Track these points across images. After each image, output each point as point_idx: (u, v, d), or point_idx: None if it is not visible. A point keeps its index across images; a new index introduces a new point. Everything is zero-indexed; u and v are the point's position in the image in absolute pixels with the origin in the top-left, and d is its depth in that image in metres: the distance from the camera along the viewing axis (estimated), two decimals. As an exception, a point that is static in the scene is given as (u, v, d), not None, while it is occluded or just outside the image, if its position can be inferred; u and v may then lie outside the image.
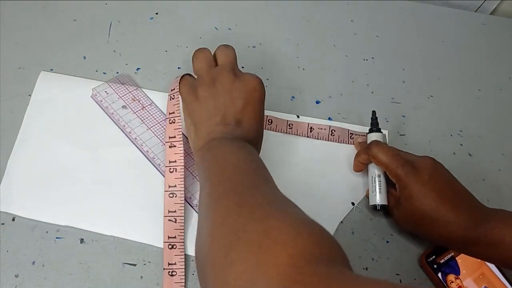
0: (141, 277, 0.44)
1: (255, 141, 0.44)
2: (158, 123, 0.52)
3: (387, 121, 0.57)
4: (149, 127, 0.52)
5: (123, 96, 0.53)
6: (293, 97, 0.57)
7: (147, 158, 0.50)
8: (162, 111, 0.53)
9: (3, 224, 0.45)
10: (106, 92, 0.53)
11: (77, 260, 0.44)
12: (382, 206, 0.48)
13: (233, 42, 0.60)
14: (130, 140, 0.51)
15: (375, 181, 0.48)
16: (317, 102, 0.57)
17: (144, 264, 0.45)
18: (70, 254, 0.44)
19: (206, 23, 0.61)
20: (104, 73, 0.55)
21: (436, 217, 0.43)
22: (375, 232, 0.49)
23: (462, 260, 0.47)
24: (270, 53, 0.60)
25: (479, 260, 0.47)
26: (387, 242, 0.49)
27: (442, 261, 0.47)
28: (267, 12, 0.64)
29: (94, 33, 0.58)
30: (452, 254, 0.48)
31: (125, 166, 0.49)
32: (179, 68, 0.57)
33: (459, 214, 0.42)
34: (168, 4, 0.62)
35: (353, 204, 0.50)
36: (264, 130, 0.48)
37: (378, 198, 0.48)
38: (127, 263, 0.44)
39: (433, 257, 0.47)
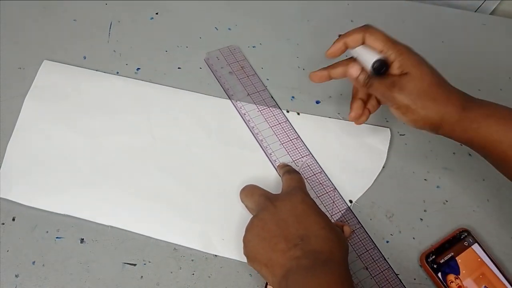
0: (141, 277, 0.44)
1: (332, 250, 0.39)
2: (257, 92, 0.56)
3: (387, 121, 0.57)
4: (249, 93, 0.55)
5: (231, 63, 0.58)
6: (293, 97, 0.57)
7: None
8: (262, 82, 0.57)
9: (3, 224, 0.45)
10: (217, 57, 0.58)
11: (77, 260, 0.44)
12: (381, 62, 0.44)
13: (233, 42, 0.60)
14: (232, 101, 0.55)
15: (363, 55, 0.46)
16: (317, 102, 0.57)
17: (144, 264, 0.45)
18: (70, 254, 0.44)
19: (206, 23, 0.62)
20: (104, 73, 0.55)
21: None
22: (375, 232, 0.49)
23: (462, 260, 0.47)
24: (270, 53, 0.60)
25: (479, 260, 0.47)
26: (387, 242, 0.49)
27: (442, 261, 0.47)
28: (267, 12, 0.64)
29: (94, 33, 0.58)
30: (452, 254, 0.48)
31: (125, 155, 0.50)
32: (179, 68, 0.57)
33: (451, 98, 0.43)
34: (168, 4, 0.62)
35: (350, 201, 0.51)
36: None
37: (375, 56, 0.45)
38: (127, 263, 0.44)
39: (433, 257, 0.47)
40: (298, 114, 0.56)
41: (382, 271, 0.47)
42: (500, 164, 0.43)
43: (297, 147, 0.53)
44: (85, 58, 0.56)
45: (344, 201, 0.50)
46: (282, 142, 0.53)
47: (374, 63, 0.44)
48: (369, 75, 0.45)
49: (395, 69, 0.44)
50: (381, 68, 0.44)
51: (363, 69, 0.45)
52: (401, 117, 0.45)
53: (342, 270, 0.38)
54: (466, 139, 0.43)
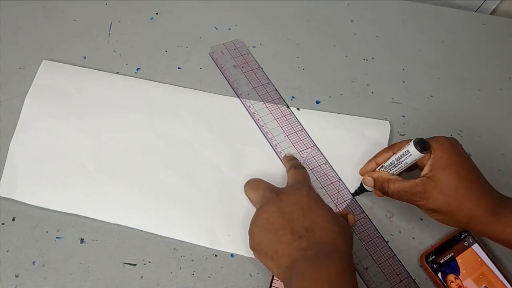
0: (141, 277, 0.44)
1: (336, 242, 0.39)
2: (262, 85, 0.56)
3: (386, 119, 0.57)
4: (254, 87, 0.56)
5: (235, 57, 0.58)
6: (293, 97, 0.57)
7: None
8: (266, 75, 0.57)
9: (3, 224, 0.45)
10: (221, 52, 0.58)
11: (77, 260, 0.44)
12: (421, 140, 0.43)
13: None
14: (236, 94, 0.55)
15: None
16: (317, 102, 0.57)
17: (144, 264, 0.45)
18: (70, 254, 0.44)
19: (206, 23, 0.61)
20: (104, 72, 0.55)
21: (469, 186, 0.42)
22: (375, 232, 0.49)
23: (462, 260, 0.47)
24: (270, 53, 0.60)
25: (479, 260, 0.47)
26: (387, 242, 0.49)
27: (442, 261, 0.47)
28: (267, 12, 0.64)
29: (94, 33, 0.58)
30: (452, 254, 0.48)
31: (128, 153, 0.50)
32: (179, 68, 0.57)
33: (483, 193, 0.42)
34: (168, 4, 0.62)
35: (353, 195, 0.51)
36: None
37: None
38: (127, 263, 0.44)
39: (433, 257, 0.47)
40: (298, 109, 0.56)
41: (387, 259, 0.47)
42: None
43: (301, 139, 0.53)
44: (85, 58, 0.56)
45: (349, 191, 0.51)
46: (287, 134, 0.53)
47: (416, 141, 0.43)
48: (390, 179, 0.45)
49: (425, 167, 0.44)
50: (423, 146, 0.43)
51: (376, 180, 0.46)
52: (428, 216, 0.45)
53: (345, 261, 0.38)
54: (499, 241, 0.42)
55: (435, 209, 0.43)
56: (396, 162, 0.45)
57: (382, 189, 0.46)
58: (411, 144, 0.43)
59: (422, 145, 0.42)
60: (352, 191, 0.51)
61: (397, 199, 0.45)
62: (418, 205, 0.44)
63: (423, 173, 0.43)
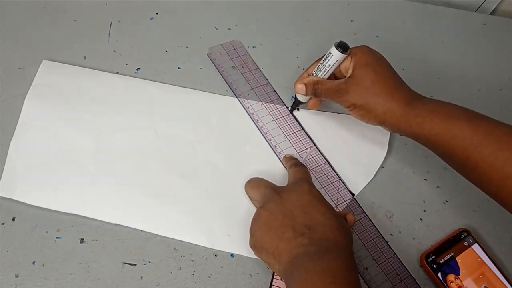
0: (141, 277, 0.44)
1: (338, 238, 0.40)
2: (261, 85, 0.57)
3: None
4: (252, 87, 0.56)
5: (233, 58, 0.59)
6: (293, 97, 0.57)
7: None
8: (265, 76, 0.58)
9: (3, 224, 0.45)
10: (219, 52, 0.58)
11: (77, 260, 0.44)
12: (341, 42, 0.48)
13: (233, 42, 0.60)
14: (235, 95, 0.56)
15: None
16: (317, 102, 0.57)
17: (144, 264, 0.45)
18: (70, 254, 0.44)
19: (206, 23, 0.62)
20: (104, 72, 0.55)
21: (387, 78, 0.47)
22: (375, 232, 0.49)
23: (462, 260, 0.47)
24: (270, 53, 0.60)
25: (479, 260, 0.47)
26: (387, 242, 0.49)
27: (442, 261, 0.47)
28: (267, 12, 0.64)
29: (94, 33, 0.58)
30: (452, 254, 0.48)
31: (128, 153, 0.50)
32: (179, 68, 0.57)
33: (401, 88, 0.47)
34: (168, 4, 0.62)
35: (353, 195, 0.51)
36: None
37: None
38: (127, 263, 0.44)
39: (433, 257, 0.47)
40: (298, 109, 0.56)
41: (387, 259, 0.47)
42: (447, 155, 0.45)
43: (301, 139, 0.53)
44: (85, 58, 0.56)
45: (349, 190, 0.51)
46: (286, 135, 0.53)
47: (337, 43, 0.48)
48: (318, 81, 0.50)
49: (348, 70, 0.49)
50: (344, 47, 0.48)
51: (307, 84, 0.50)
52: (351, 114, 0.49)
53: (347, 257, 0.39)
54: (412, 133, 0.46)
55: (355, 104, 0.47)
56: (321, 66, 0.49)
57: (313, 92, 0.50)
58: (333, 46, 0.48)
59: (343, 46, 0.48)
60: (352, 191, 0.51)
61: (326, 99, 0.50)
62: (341, 100, 0.48)
63: (347, 75, 0.48)
